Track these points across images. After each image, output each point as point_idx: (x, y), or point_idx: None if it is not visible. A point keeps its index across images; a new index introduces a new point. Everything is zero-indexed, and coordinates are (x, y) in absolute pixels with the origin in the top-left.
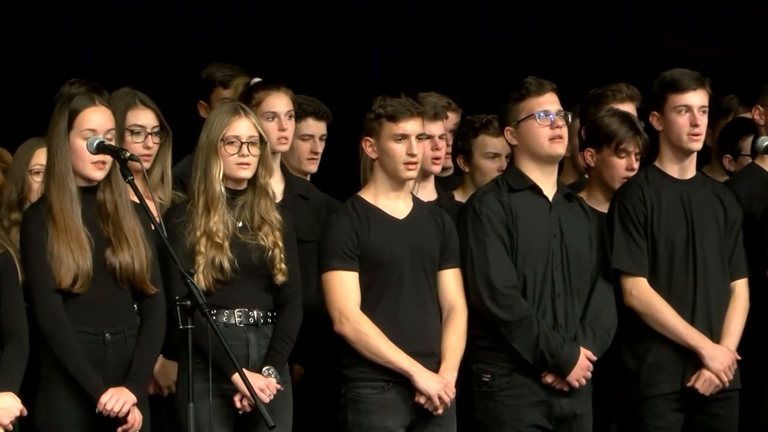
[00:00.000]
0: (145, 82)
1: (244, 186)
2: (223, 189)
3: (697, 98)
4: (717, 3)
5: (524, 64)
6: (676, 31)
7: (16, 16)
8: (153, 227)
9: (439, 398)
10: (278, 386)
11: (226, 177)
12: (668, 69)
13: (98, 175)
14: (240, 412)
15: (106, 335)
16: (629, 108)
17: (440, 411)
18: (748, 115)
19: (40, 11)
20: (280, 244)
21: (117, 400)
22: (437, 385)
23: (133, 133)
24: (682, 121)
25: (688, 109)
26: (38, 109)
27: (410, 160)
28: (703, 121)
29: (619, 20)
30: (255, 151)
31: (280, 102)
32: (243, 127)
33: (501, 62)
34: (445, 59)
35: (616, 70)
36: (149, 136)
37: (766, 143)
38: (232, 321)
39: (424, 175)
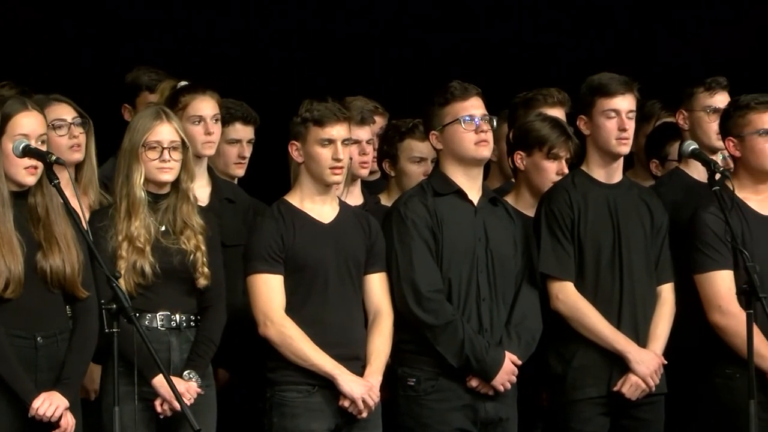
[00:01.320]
0: (68, 86)
1: (166, 190)
2: (144, 194)
3: (625, 103)
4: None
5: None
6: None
7: None
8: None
9: (364, 402)
10: (199, 390)
11: (148, 181)
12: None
13: (30, 180)
14: (161, 417)
15: (38, 339)
16: (559, 112)
17: (365, 414)
18: (671, 120)
19: None
20: (203, 247)
21: (49, 404)
22: (362, 388)
23: (55, 128)
24: (610, 125)
25: (617, 113)
26: None
27: (336, 165)
28: (630, 125)
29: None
30: (177, 155)
31: (206, 105)
32: (165, 132)
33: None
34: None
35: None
36: (72, 126)
37: (691, 148)
38: (154, 325)
39: (351, 179)
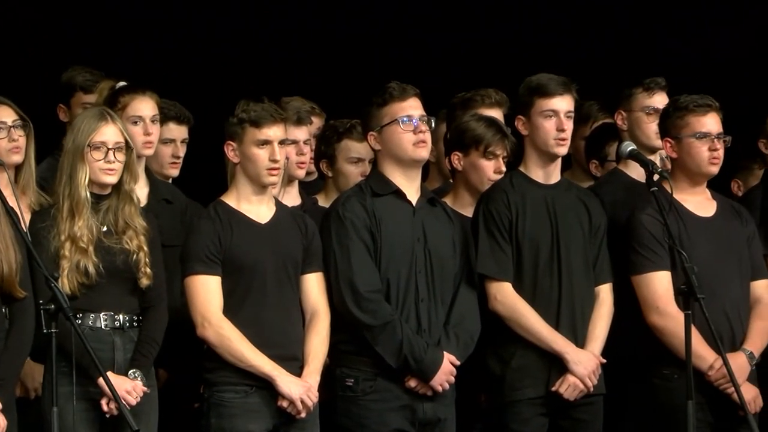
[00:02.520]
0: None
1: (108, 191)
2: (88, 194)
3: (563, 103)
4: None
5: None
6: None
7: None
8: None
9: (302, 402)
10: (144, 389)
11: (91, 182)
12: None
13: None
14: (107, 416)
15: None
16: (497, 113)
17: (303, 415)
18: (610, 121)
19: None
20: (145, 248)
21: None
22: (300, 389)
23: None
24: (549, 125)
25: (555, 113)
26: None
27: (272, 166)
28: (569, 126)
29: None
30: (121, 157)
31: (145, 106)
32: (109, 133)
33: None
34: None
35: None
36: (12, 129)
37: (629, 149)
38: (98, 324)
39: (288, 179)
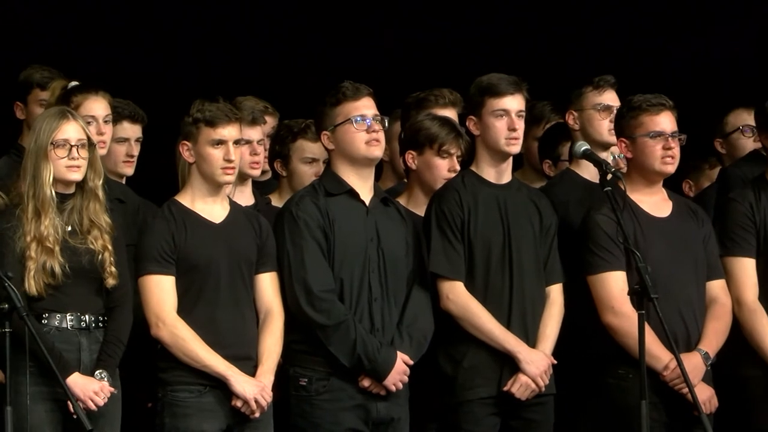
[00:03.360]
0: None
1: (72, 190)
2: (53, 193)
3: (514, 102)
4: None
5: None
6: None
7: None
8: None
9: (256, 402)
10: (112, 389)
11: (56, 181)
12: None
13: None
14: (74, 416)
15: None
16: (451, 113)
17: (257, 414)
18: (563, 121)
19: None
20: (110, 247)
21: None
22: (254, 388)
23: None
24: (500, 125)
25: (506, 113)
26: None
27: (227, 165)
28: (520, 125)
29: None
30: (84, 153)
31: (98, 106)
32: (72, 130)
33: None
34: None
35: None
36: None
37: (582, 149)
38: (64, 325)
39: (242, 179)
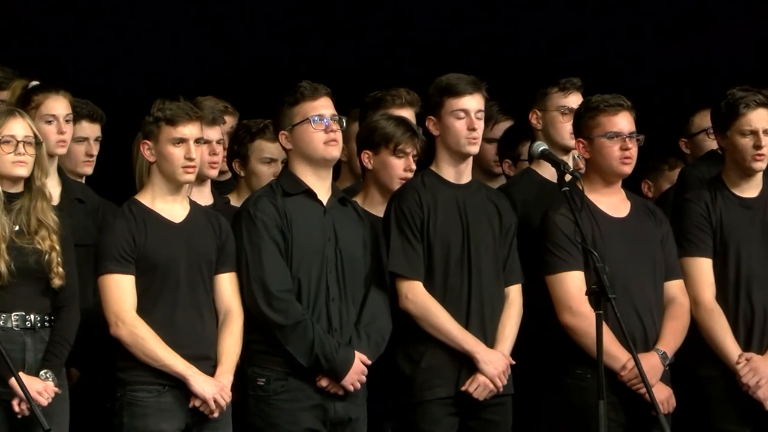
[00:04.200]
0: None
1: (19, 189)
2: (0, 191)
3: (474, 102)
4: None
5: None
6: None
7: None
8: None
9: (215, 401)
10: (56, 389)
11: (3, 178)
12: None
13: None
14: (18, 416)
15: None
16: (408, 113)
17: (216, 414)
18: (508, 123)
19: None
20: (57, 247)
21: None
22: (213, 388)
23: None
24: (459, 125)
25: (465, 113)
26: None
27: (188, 164)
28: (480, 125)
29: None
30: (31, 150)
31: (59, 105)
32: (18, 127)
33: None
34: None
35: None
36: None
37: (540, 149)
38: (9, 325)
39: (200, 179)
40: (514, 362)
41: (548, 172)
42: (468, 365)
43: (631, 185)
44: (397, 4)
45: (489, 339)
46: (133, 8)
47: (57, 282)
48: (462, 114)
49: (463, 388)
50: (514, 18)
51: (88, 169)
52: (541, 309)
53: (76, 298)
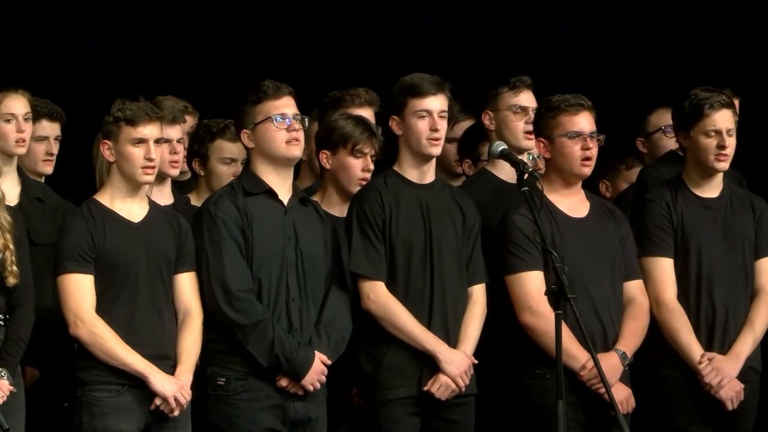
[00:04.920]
0: None
1: None
2: None
3: (436, 103)
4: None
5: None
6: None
7: None
8: None
9: (175, 400)
10: (11, 388)
11: None
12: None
13: None
14: None
15: None
16: (367, 112)
17: (176, 413)
18: (470, 123)
19: None
20: (11, 246)
21: None
22: (173, 386)
23: None
24: (422, 125)
25: (428, 113)
26: None
27: (148, 164)
28: (443, 125)
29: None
30: None
31: (18, 104)
32: None
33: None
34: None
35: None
36: None
37: (500, 149)
38: None
39: (161, 178)
40: (476, 362)
41: (504, 172)
42: (430, 365)
43: (588, 185)
44: (356, 4)
45: (452, 339)
46: (93, 6)
47: (11, 281)
48: (425, 114)
49: (425, 388)
50: (470, 17)
51: (48, 169)
52: (502, 309)
53: (31, 297)
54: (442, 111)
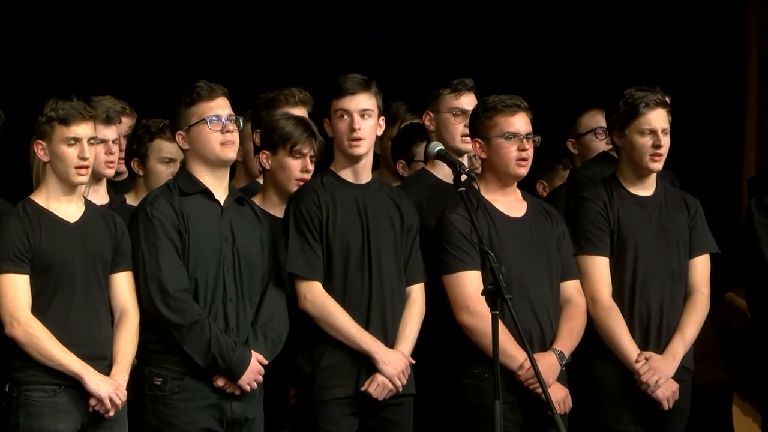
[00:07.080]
0: None
1: None
2: None
3: (354, 102)
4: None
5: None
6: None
7: None
8: None
9: (111, 400)
10: None
11: None
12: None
13: None
14: None
15: None
16: (301, 112)
17: (111, 413)
18: (418, 121)
19: None
20: None
21: None
22: (109, 387)
23: None
24: (342, 126)
25: (347, 113)
26: None
27: (81, 164)
28: (363, 125)
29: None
30: None
31: None
32: None
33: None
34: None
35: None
36: None
37: (437, 149)
38: None
39: (96, 178)
40: (414, 362)
41: (442, 173)
42: (368, 365)
43: (525, 185)
44: (291, 4)
45: (390, 338)
46: (28, 7)
47: None
48: (344, 114)
49: (363, 388)
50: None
51: None
52: (439, 308)
53: None
54: (364, 110)
